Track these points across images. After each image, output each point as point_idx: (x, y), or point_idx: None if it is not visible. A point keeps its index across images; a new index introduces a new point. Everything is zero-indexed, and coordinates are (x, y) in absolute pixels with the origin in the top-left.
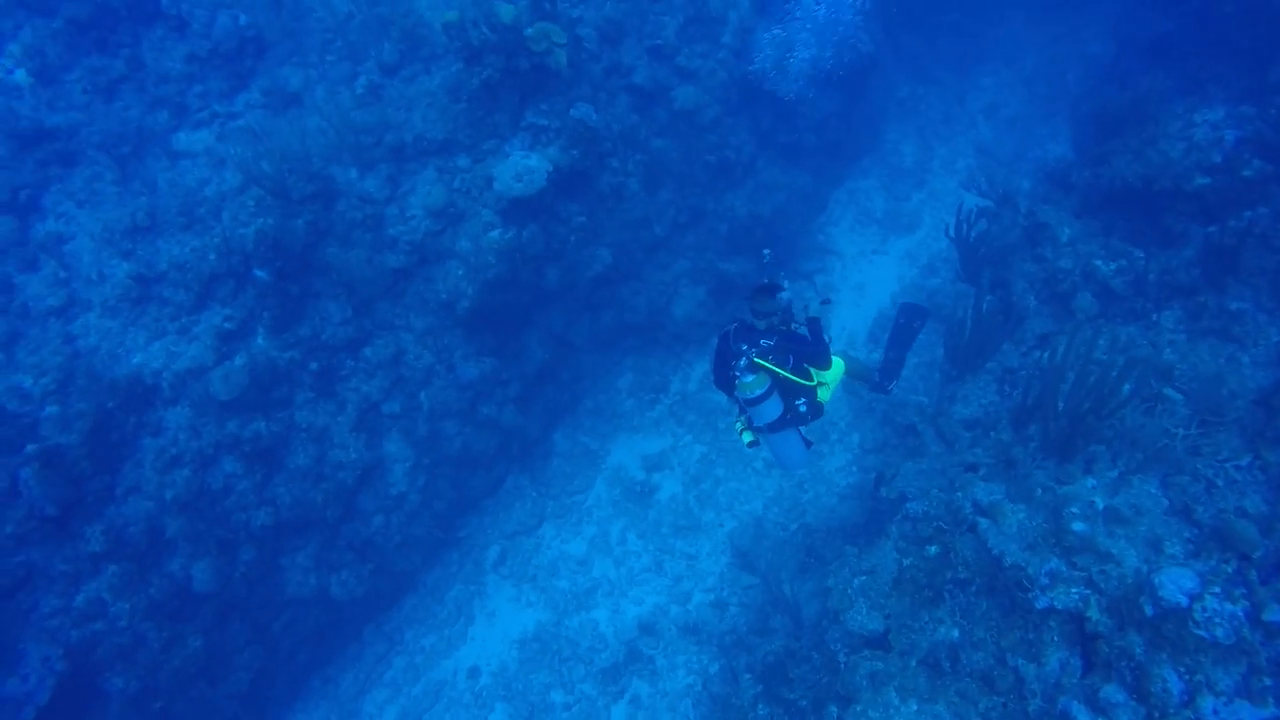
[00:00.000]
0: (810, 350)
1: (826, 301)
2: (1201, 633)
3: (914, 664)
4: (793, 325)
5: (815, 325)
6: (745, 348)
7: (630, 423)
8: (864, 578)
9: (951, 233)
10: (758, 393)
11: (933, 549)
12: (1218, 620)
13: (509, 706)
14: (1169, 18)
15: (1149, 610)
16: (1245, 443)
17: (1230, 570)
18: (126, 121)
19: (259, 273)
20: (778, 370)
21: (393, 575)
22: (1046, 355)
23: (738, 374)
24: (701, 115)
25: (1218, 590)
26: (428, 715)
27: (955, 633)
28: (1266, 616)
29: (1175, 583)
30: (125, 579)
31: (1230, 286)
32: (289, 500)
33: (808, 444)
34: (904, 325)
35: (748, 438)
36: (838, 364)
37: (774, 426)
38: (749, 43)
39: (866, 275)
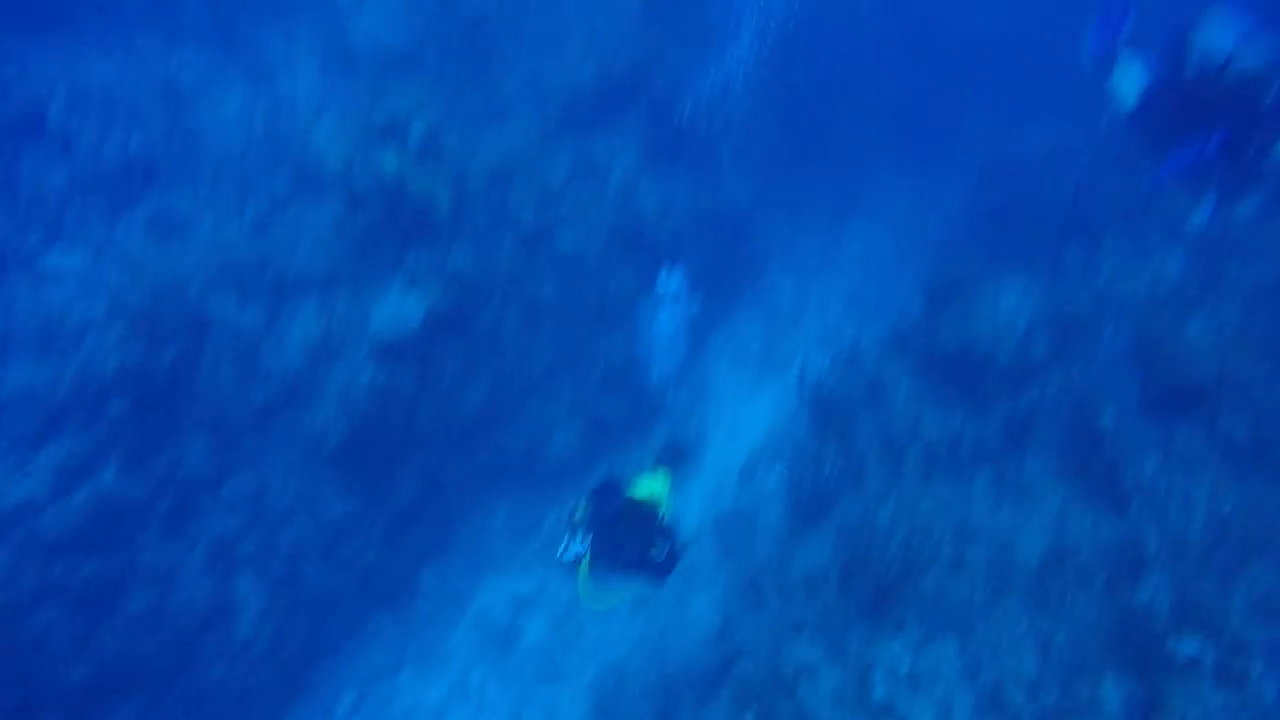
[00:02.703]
0: None
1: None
2: None
3: None
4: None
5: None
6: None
7: (500, 563)
8: None
9: (800, 387)
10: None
11: (749, 716)
12: None
13: None
14: (1004, 192)
15: None
16: (1026, 607)
17: None
18: None
19: (115, 406)
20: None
21: None
22: (869, 517)
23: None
24: (583, 260)
25: None
26: None
27: None
28: None
29: None
30: None
31: (1028, 454)
32: (114, 651)
33: None
34: None
35: None
36: None
37: None
38: (631, 190)
39: (740, 415)
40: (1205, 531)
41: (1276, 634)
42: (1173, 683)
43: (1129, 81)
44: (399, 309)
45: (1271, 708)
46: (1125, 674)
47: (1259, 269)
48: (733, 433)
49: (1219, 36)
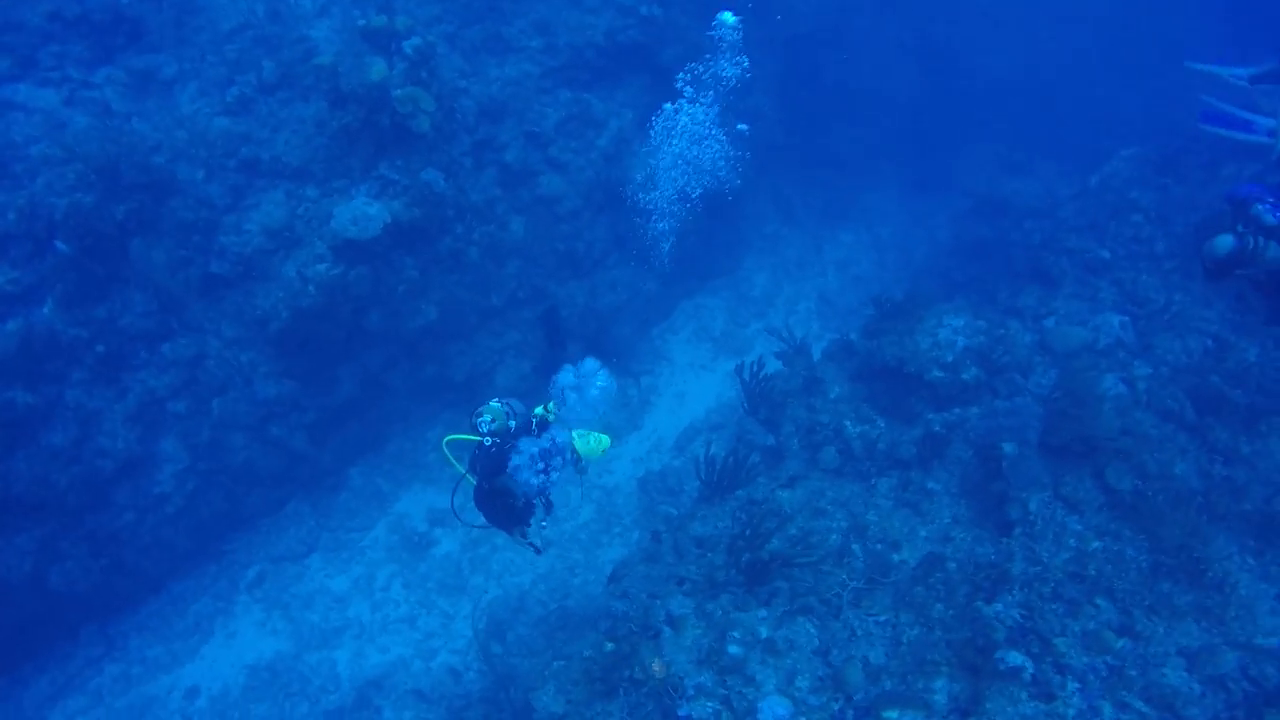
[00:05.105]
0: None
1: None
2: None
3: None
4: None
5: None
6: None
7: (429, 474)
8: (561, 662)
9: (742, 369)
10: None
11: (609, 646)
12: None
13: None
14: (989, 228)
15: None
16: (892, 602)
17: (836, 708)
18: None
19: (60, 245)
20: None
21: (134, 576)
22: (774, 496)
23: None
24: (561, 205)
25: None
26: None
27: None
28: None
29: (772, 710)
30: None
31: (935, 469)
32: (26, 476)
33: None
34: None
35: None
36: None
37: None
38: (622, 150)
39: (690, 386)
40: (1067, 566)
41: (1097, 662)
42: (995, 687)
43: None
44: (363, 210)
45: None
46: (958, 674)
47: (1188, 345)
48: (679, 401)
49: None
